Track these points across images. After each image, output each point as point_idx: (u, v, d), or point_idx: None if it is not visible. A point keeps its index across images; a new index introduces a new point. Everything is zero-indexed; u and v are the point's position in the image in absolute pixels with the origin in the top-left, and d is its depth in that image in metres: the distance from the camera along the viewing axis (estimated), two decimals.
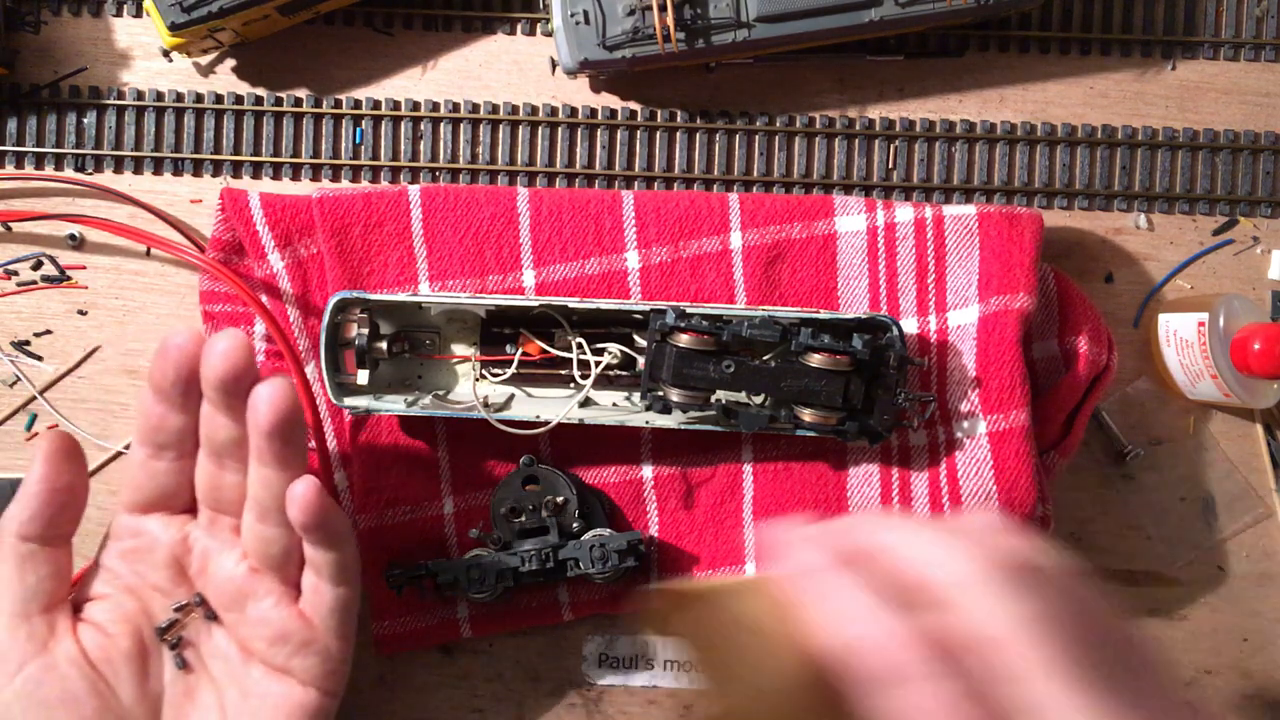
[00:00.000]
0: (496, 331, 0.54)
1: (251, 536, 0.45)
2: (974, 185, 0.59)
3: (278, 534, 0.45)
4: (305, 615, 0.46)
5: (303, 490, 0.43)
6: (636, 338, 0.53)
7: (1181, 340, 0.56)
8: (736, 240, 0.54)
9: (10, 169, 0.59)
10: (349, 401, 0.53)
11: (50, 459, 0.45)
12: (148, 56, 0.60)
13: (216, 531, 0.46)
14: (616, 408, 0.54)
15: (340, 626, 0.47)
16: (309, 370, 0.55)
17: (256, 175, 0.59)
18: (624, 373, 0.53)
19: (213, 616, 0.47)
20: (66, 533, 0.46)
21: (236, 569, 0.46)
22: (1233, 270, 0.59)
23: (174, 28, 0.54)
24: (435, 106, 0.59)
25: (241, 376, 0.41)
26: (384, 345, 0.52)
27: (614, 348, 0.53)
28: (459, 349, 0.55)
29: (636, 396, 0.54)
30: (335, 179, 0.59)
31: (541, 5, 0.59)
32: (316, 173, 0.59)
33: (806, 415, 0.51)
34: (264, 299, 0.55)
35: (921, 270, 0.55)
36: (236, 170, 0.59)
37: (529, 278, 0.54)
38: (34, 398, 0.58)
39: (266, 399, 0.41)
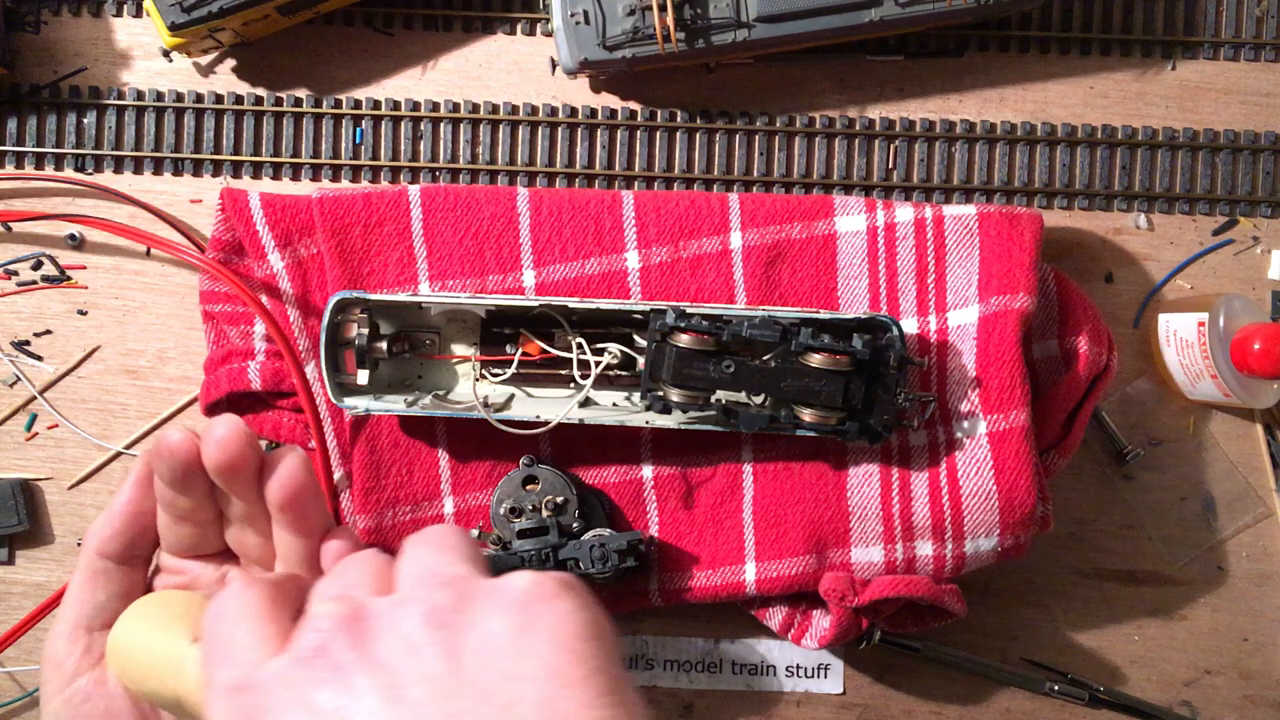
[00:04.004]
0: (496, 331, 0.54)
1: None
2: (974, 185, 0.59)
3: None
4: None
5: (338, 550, 0.42)
6: (636, 338, 0.53)
7: (1181, 340, 0.56)
8: (736, 240, 0.54)
9: (10, 169, 0.59)
10: (349, 401, 0.52)
11: (140, 482, 0.44)
12: (148, 56, 0.60)
13: (254, 575, 0.46)
14: (616, 408, 0.54)
15: None
16: (309, 370, 0.55)
17: (256, 175, 0.59)
18: (624, 373, 0.53)
19: None
20: (144, 554, 0.46)
21: None
22: (1233, 270, 0.59)
23: (174, 28, 0.53)
24: (435, 106, 0.59)
25: (239, 464, 0.41)
26: (384, 345, 0.52)
27: (614, 348, 0.53)
28: (459, 349, 0.55)
29: (636, 396, 0.54)
30: (335, 179, 0.59)
31: (541, 5, 0.59)
32: (316, 173, 0.59)
33: (806, 415, 0.51)
34: (264, 299, 0.54)
35: (921, 270, 0.55)
36: (236, 170, 0.59)
37: (529, 278, 0.54)
38: (34, 398, 0.58)
39: (279, 479, 0.41)
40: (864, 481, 0.54)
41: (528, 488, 0.54)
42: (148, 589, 0.48)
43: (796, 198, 0.56)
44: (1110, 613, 0.59)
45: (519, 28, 0.60)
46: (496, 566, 0.52)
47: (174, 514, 0.45)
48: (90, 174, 0.59)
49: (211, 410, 0.55)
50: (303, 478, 0.42)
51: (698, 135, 0.59)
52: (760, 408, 0.52)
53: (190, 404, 0.59)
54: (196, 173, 0.59)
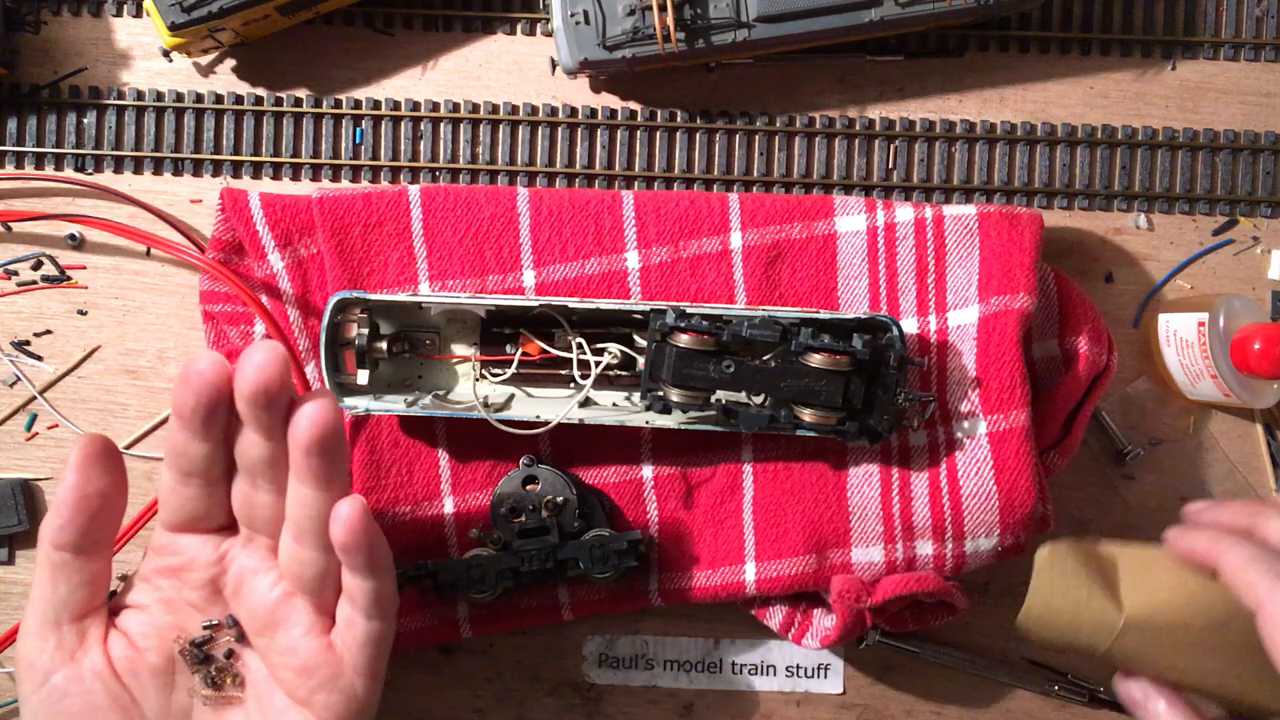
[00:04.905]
0: (496, 331, 0.54)
1: (287, 558, 0.44)
2: (974, 185, 0.59)
3: (314, 557, 0.43)
4: (334, 649, 0.45)
5: (348, 511, 0.41)
6: (636, 338, 0.53)
7: (1181, 340, 0.56)
8: (736, 240, 0.54)
9: (10, 169, 0.59)
10: (349, 401, 0.53)
11: (80, 466, 0.43)
12: (148, 56, 0.60)
13: (253, 550, 0.45)
14: (616, 408, 0.54)
15: (369, 664, 0.45)
16: (309, 370, 0.55)
17: (256, 175, 0.59)
18: (624, 373, 0.53)
19: (242, 638, 0.46)
20: (102, 540, 0.44)
21: (270, 593, 0.45)
22: (1233, 270, 0.59)
23: (174, 28, 0.54)
24: (435, 106, 0.59)
25: (274, 391, 0.40)
26: (384, 345, 0.52)
27: (614, 348, 0.53)
28: (459, 349, 0.55)
29: (636, 396, 0.54)
30: (335, 179, 0.59)
31: (541, 5, 0.59)
32: (316, 173, 0.59)
33: (806, 415, 0.51)
34: (264, 299, 0.55)
35: (921, 270, 0.55)
36: (236, 170, 0.59)
37: (529, 278, 0.54)
38: (34, 398, 0.59)
39: (309, 415, 0.40)
40: (864, 481, 0.54)
41: (528, 488, 0.54)
42: (121, 578, 0.47)
43: (796, 198, 0.56)
44: None
45: (519, 28, 0.60)
46: (495, 566, 0.52)
47: (182, 468, 0.43)
48: (90, 174, 0.59)
49: None
50: (335, 418, 0.40)
51: (698, 135, 0.59)
52: (760, 408, 0.52)
53: None
54: (196, 173, 0.59)
